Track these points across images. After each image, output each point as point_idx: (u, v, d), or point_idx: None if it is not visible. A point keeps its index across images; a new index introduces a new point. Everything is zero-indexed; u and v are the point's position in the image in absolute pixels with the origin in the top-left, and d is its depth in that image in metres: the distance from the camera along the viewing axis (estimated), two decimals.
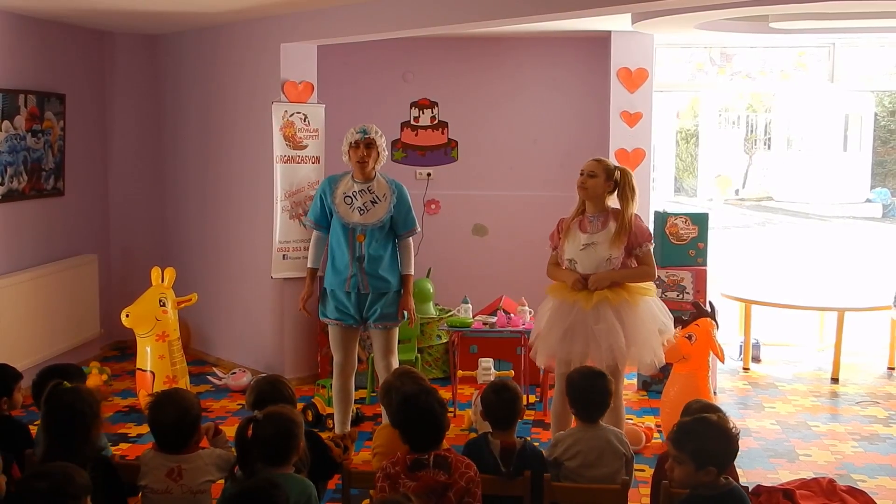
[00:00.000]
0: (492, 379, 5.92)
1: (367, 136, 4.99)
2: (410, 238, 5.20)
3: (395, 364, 5.16)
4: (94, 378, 6.18)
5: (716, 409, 3.55)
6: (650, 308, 4.70)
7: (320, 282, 5.27)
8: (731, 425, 3.23)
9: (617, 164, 4.81)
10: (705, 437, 3.10)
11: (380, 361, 5.21)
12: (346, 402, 5.27)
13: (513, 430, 3.61)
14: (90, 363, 6.44)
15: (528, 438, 3.81)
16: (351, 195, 5.06)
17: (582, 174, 4.74)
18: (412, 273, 5.21)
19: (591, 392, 3.73)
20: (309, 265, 5.26)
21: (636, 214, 4.74)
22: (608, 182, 4.70)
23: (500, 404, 3.60)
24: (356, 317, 5.11)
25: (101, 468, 3.22)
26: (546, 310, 4.82)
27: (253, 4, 5.92)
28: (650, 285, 4.77)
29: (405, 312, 5.17)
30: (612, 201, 4.75)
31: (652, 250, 4.71)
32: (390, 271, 5.10)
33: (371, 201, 5.05)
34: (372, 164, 5.04)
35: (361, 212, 5.04)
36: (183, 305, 6.03)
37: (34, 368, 5.89)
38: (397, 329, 5.25)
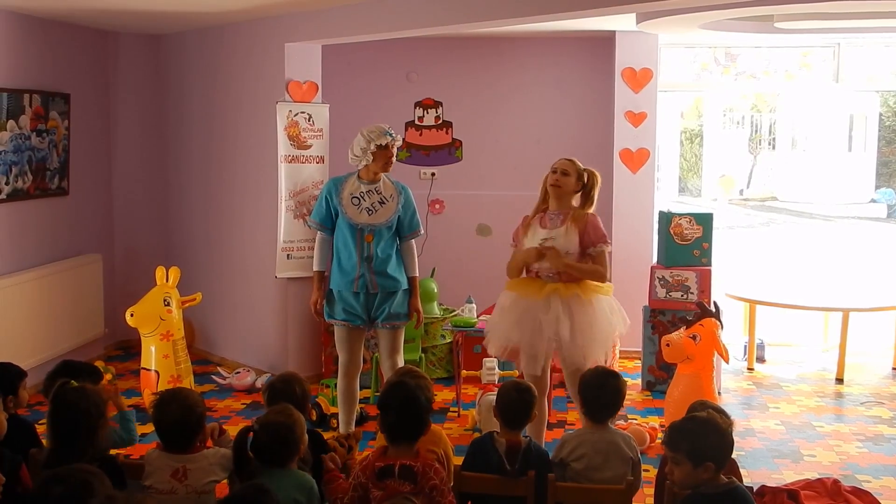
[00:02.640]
0: (496, 379, 5.93)
1: (395, 138, 5.05)
2: (413, 240, 5.23)
3: (401, 363, 5.17)
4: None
5: (717, 409, 3.56)
6: (603, 308, 4.72)
7: (325, 282, 5.28)
8: (722, 420, 3.23)
9: (586, 167, 4.85)
10: (697, 434, 3.12)
11: (386, 361, 5.21)
12: (351, 403, 5.28)
13: (520, 430, 3.62)
14: (94, 362, 6.44)
15: (533, 438, 3.80)
16: (358, 196, 5.07)
17: (555, 172, 4.80)
18: (418, 275, 5.25)
19: (601, 391, 3.73)
20: (316, 268, 5.25)
21: (593, 214, 4.78)
22: (578, 182, 4.79)
23: (520, 405, 3.61)
24: (363, 317, 5.12)
25: (107, 468, 3.22)
26: (501, 301, 4.88)
27: (257, 4, 5.92)
28: (606, 285, 4.79)
29: (415, 314, 5.20)
30: (576, 201, 4.83)
31: (607, 253, 4.72)
32: (398, 270, 5.13)
33: (379, 202, 5.08)
34: (392, 165, 5.10)
35: (370, 212, 5.06)
36: (187, 305, 6.04)
37: (39, 367, 5.92)
38: (403, 329, 5.26)
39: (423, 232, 5.33)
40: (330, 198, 5.12)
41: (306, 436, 3.37)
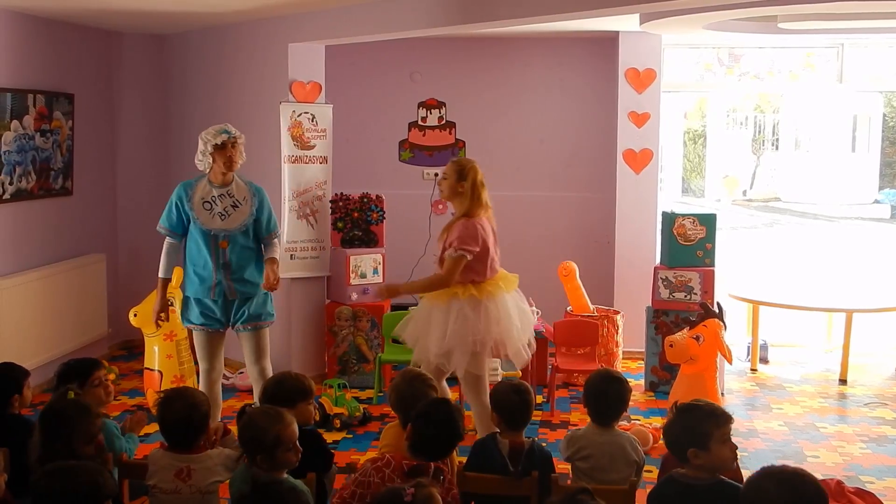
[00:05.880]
0: (499, 379, 5.92)
1: (233, 136, 4.86)
2: (276, 239, 5.07)
3: (270, 369, 5.04)
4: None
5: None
6: (504, 303, 4.73)
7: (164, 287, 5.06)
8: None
9: (468, 159, 4.89)
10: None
11: (252, 367, 5.05)
12: (217, 410, 4.97)
13: (522, 430, 3.62)
14: None
15: (536, 439, 3.81)
16: (210, 200, 4.89)
17: (439, 177, 4.87)
18: (277, 257, 5.01)
19: (603, 396, 3.73)
20: (162, 275, 4.99)
21: (466, 218, 4.72)
22: (460, 182, 4.76)
23: (520, 405, 3.62)
24: (222, 320, 4.97)
25: None
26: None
27: (261, 4, 5.93)
28: (507, 280, 4.80)
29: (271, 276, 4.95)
30: None
31: (458, 259, 4.62)
32: (257, 274, 4.97)
33: (232, 205, 4.90)
34: (238, 164, 4.92)
35: (223, 217, 4.88)
36: None
37: (42, 367, 5.94)
38: (267, 331, 5.08)
39: (279, 231, 5.08)
40: (181, 203, 4.90)
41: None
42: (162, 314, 5.02)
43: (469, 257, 4.62)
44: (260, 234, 5.01)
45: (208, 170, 4.92)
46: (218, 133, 4.85)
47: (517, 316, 4.79)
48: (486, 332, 4.67)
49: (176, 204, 4.92)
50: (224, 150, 4.84)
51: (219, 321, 4.97)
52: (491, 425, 4.16)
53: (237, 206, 4.92)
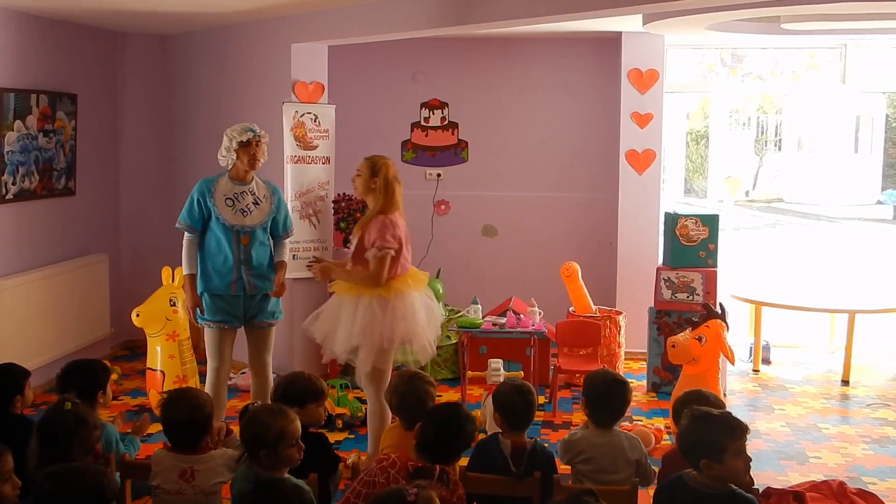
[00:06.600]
0: (501, 380, 5.93)
1: (258, 135, 4.95)
2: (287, 240, 5.23)
3: (270, 362, 5.17)
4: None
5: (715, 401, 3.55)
6: (412, 301, 4.76)
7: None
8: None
9: (381, 156, 4.89)
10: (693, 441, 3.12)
11: (258, 361, 5.14)
12: (221, 409, 5.05)
13: (525, 431, 3.62)
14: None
15: (538, 439, 3.80)
16: (232, 197, 4.99)
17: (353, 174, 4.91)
18: (286, 260, 5.20)
19: (604, 397, 3.72)
20: (188, 272, 5.03)
21: (383, 216, 4.73)
22: (372, 179, 4.78)
23: (524, 406, 3.61)
24: (240, 316, 5.05)
25: None
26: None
27: (264, 5, 5.93)
28: (416, 278, 4.84)
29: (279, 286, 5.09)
30: None
31: (382, 258, 4.65)
32: (272, 272, 5.10)
33: (253, 203, 5.02)
34: (260, 163, 5.02)
35: (245, 213, 4.99)
36: None
37: (44, 367, 5.95)
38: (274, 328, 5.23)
39: (294, 232, 5.30)
40: (203, 199, 4.97)
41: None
42: (198, 308, 5.05)
43: (392, 254, 4.68)
44: (276, 232, 5.15)
45: (230, 166, 5.02)
46: (244, 131, 4.96)
47: (424, 313, 4.82)
48: (392, 329, 4.70)
49: (198, 200, 5.00)
50: (248, 148, 4.95)
51: (237, 318, 5.05)
52: (386, 421, 4.47)
53: (258, 204, 5.04)
